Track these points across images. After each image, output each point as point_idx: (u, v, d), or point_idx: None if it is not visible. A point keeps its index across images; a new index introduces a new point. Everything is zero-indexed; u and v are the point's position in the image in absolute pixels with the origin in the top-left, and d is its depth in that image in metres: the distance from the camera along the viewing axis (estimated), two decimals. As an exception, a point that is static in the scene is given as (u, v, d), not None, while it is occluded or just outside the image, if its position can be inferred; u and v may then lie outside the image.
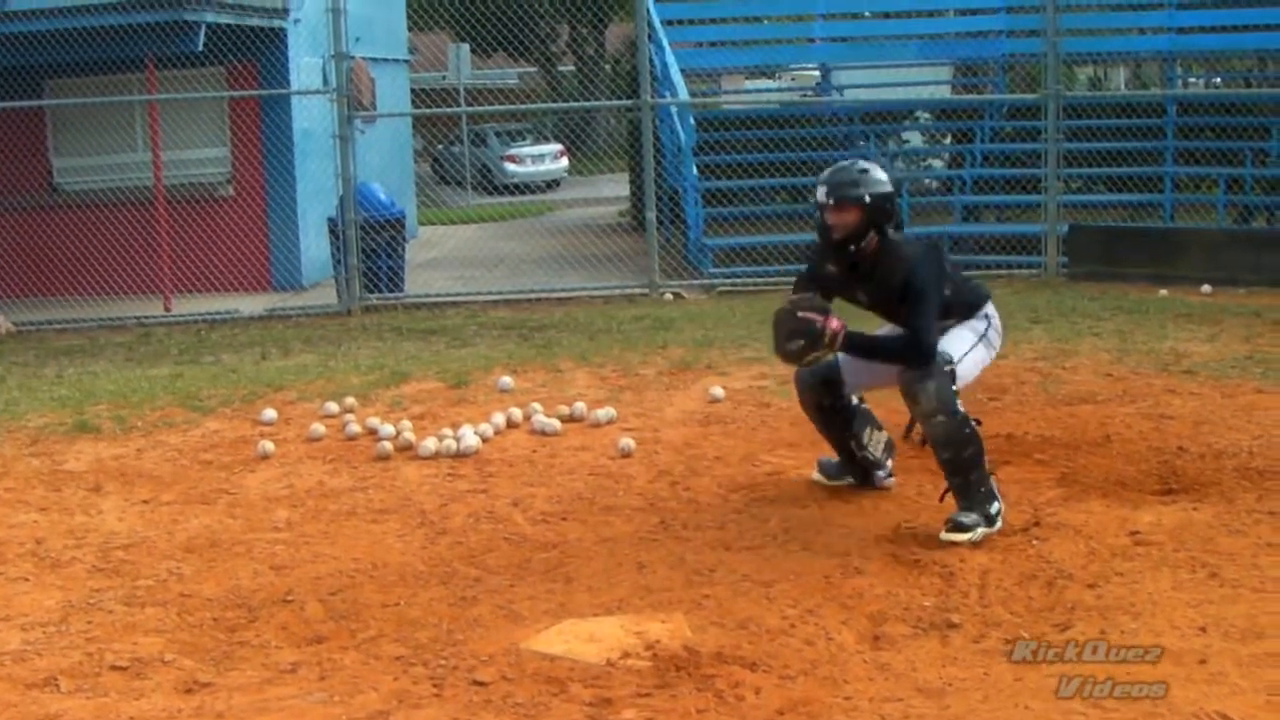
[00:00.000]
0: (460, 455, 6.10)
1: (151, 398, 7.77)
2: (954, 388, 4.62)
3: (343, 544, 4.99)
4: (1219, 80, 18.66)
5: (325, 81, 12.64)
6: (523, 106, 28.01)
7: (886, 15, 16.92)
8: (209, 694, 3.69)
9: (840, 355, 4.79)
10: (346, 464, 6.12)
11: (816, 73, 19.26)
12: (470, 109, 23.11)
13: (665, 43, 13.84)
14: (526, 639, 3.94)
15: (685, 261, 13.44)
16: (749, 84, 22.24)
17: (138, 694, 3.70)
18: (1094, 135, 13.56)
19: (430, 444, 6.18)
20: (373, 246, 11.90)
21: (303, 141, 13.73)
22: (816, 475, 5.40)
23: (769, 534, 4.84)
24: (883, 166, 4.83)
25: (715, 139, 14.68)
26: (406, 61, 19.44)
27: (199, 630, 4.20)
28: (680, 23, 15.73)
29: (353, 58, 11.98)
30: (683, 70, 13.84)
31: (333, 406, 7.09)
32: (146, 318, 11.85)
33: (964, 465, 4.64)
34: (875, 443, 5.13)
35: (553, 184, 26.90)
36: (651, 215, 11.77)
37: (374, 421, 6.64)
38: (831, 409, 5.11)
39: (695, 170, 13.43)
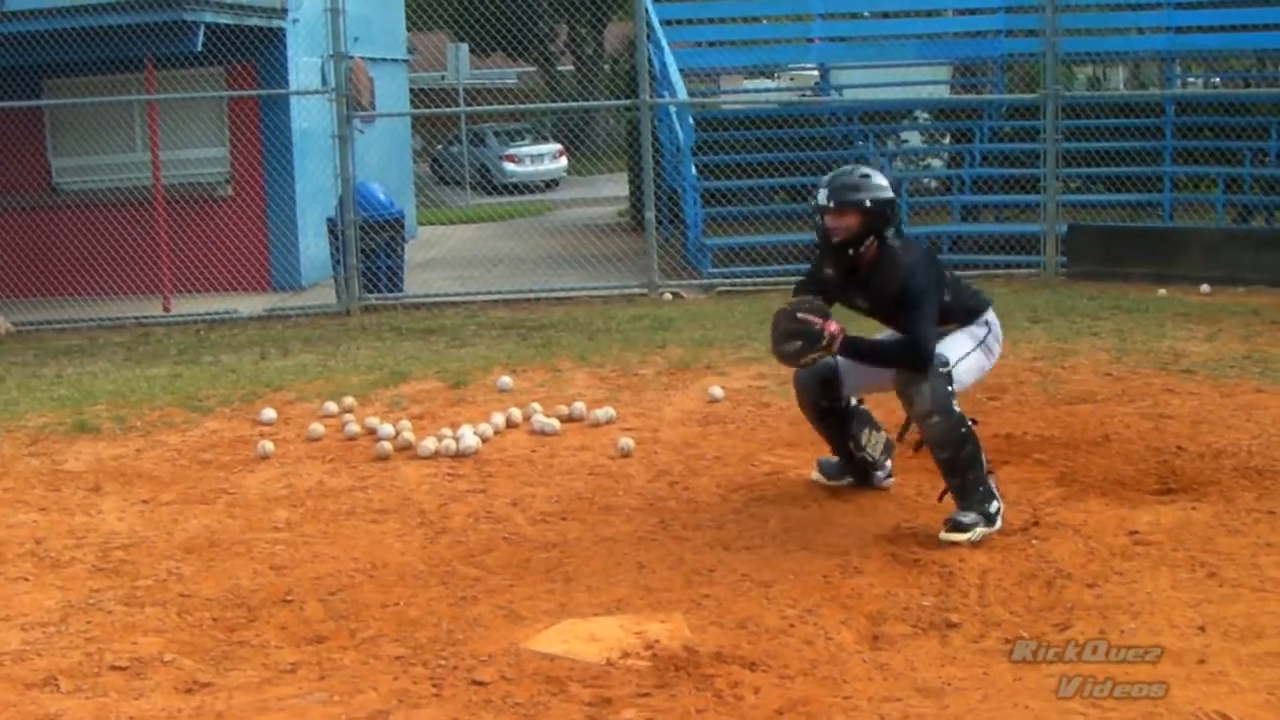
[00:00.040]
0: (460, 455, 6.10)
1: (151, 398, 7.76)
2: (950, 389, 4.63)
3: (342, 544, 4.99)
4: (1218, 80, 18.66)
5: (324, 81, 12.65)
6: (522, 106, 27.97)
7: (885, 15, 16.92)
8: (209, 694, 3.69)
9: (839, 357, 4.80)
10: (346, 464, 6.12)
11: (815, 72, 19.27)
12: (469, 109, 23.08)
13: (664, 42, 13.83)
14: (526, 639, 3.94)
15: (684, 261, 13.44)
16: (748, 84, 22.24)
17: (137, 694, 3.70)
18: (1093, 135, 13.56)
19: (430, 444, 6.18)
20: (372, 246, 11.90)
21: (302, 141, 13.73)
22: (816, 475, 5.40)
23: (768, 534, 4.84)
24: (882, 168, 4.84)
25: (714, 139, 14.67)
26: (405, 61, 19.44)
27: (199, 630, 4.20)
28: (679, 22, 15.74)
29: (351, 58, 11.97)
30: (682, 70, 13.84)
31: (332, 406, 7.09)
32: (146, 318, 11.85)
33: (962, 465, 4.65)
34: (873, 443, 5.14)
35: (552, 184, 26.89)
36: (650, 215, 11.77)
37: (373, 421, 6.64)
38: (830, 410, 5.12)
39: (694, 170, 13.43)
